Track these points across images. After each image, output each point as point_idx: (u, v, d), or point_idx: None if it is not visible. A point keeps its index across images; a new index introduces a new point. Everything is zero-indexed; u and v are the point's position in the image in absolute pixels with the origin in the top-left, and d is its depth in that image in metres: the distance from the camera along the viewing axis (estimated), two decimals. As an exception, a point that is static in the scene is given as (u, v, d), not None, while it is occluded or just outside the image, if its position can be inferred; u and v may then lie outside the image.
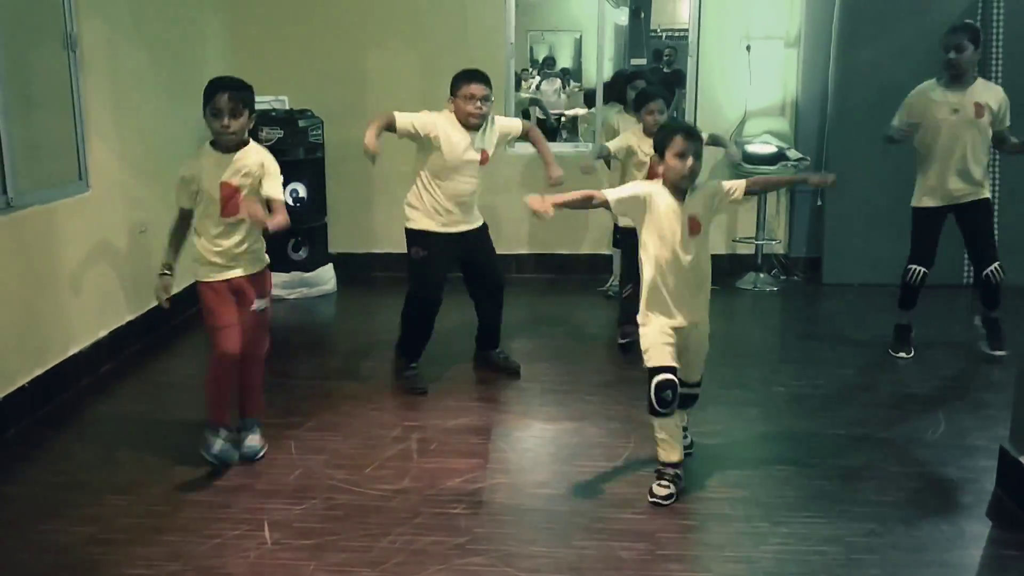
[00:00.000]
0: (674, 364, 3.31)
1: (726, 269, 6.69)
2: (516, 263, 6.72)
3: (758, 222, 6.64)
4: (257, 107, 6.24)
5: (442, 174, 4.38)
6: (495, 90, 5.82)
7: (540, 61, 12.38)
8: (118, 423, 4.10)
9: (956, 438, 3.89)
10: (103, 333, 4.76)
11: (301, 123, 6.19)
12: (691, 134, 3.30)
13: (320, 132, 6.33)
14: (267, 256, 3.73)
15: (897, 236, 6.44)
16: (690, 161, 3.24)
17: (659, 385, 3.25)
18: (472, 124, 4.33)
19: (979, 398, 4.40)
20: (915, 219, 5.05)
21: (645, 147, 4.80)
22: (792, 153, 6.44)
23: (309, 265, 6.32)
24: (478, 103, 4.30)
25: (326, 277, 6.41)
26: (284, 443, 3.81)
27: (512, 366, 4.74)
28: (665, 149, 3.29)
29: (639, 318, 3.40)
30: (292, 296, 6.23)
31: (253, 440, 3.70)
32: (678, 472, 3.38)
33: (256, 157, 3.53)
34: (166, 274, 3.62)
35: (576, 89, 10.78)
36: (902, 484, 3.47)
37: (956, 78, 4.79)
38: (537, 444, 3.90)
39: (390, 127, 4.35)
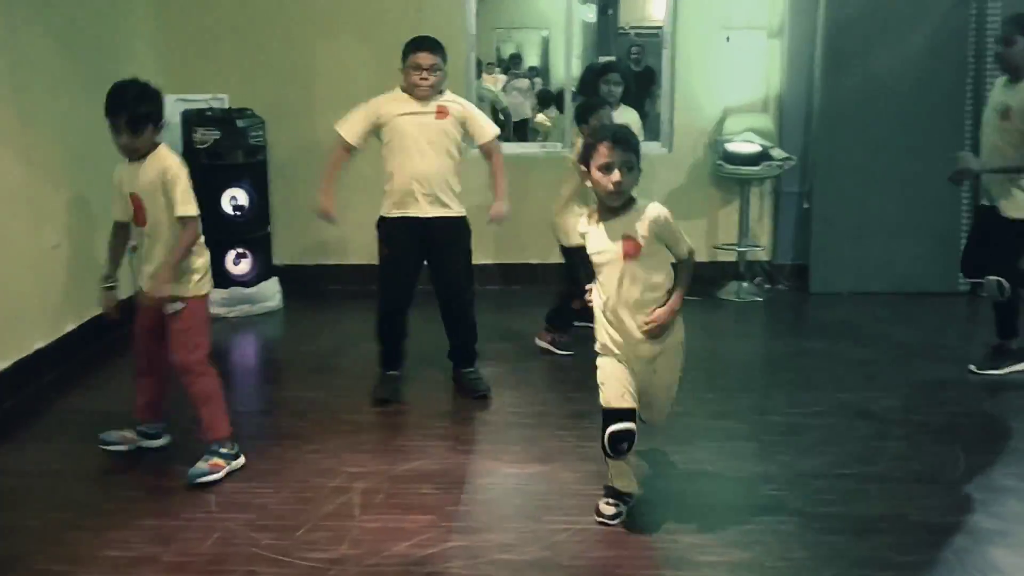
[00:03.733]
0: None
1: (707, 278, 6.20)
2: (481, 274, 6.15)
3: (740, 227, 6.15)
4: (193, 106, 5.76)
5: (395, 147, 4.04)
6: (454, 83, 5.35)
7: (507, 59, 11.93)
8: (10, 476, 3.49)
9: (980, 477, 3.40)
10: (4, 365, 4.16)
11: (240, 123, 5.61)
12: (619, 140, 2.84)
13: (262, 133, 5.75)
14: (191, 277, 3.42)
15: (890, 241, 6.03)
16: (615, 175, 2.81)
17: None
18: (420, 96, 4.02)
19: (1000, 427, 3.93)
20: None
21: None
22: (776, 152, 5.97)
23: (251, 280, 5.73)
24: (423, 73, 3.98)
25: (270, 292, 5.83)
26: (203, 498, 3.24)
27: (477, 389, 4.24)
28: (589, 160, 2.87)
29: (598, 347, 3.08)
30: (232, 314, 5.64)
31: (199, 464, 3.37)
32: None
33: (157, 166, 3.32)
34: (110, 287, 3.49)
35: (532, 87, 10.28)
36: (925, 537, 2.97)
37: (1009, 73, 4.34)
38: (501, 494, 3.35)
39: (346, 151, 4.15)
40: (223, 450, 3.40)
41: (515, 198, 6.22)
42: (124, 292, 3.67)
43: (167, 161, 3.31)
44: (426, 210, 4.06)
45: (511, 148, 6.03)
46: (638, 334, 2.96)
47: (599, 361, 3.03)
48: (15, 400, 4.14)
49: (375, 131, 4.12)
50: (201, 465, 3.34)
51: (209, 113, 5.61)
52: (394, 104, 4.07)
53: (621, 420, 2.93)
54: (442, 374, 4.49)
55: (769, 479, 3.41)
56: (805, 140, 6.16)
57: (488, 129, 4.20)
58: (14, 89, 4.30)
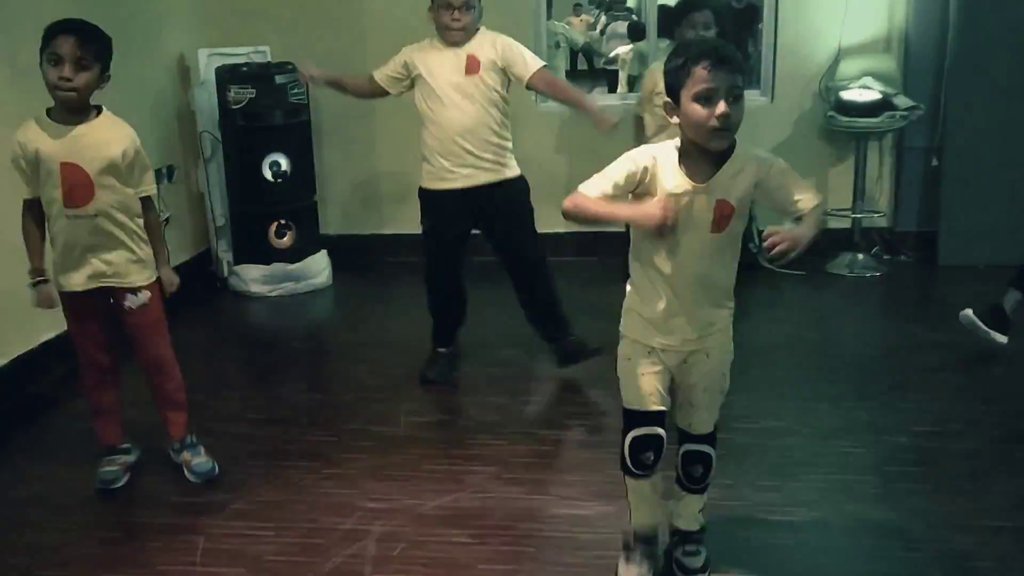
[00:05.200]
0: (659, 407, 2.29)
1: (813, 248, 5.33)
2: (553, 245, 5.43)
3: (855, 188, 5.25)
4: (228, 61, 5.17)
5: (430, 105, 3.54)
6: (519, 21, 4.65)
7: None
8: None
9: None
10: (5, 360, 3.68)
11: (279, 79, 4.98)
12: (723, 58, 2.03)
13: (304, 90, 5.11)
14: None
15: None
16: (721, 106, 2.01)
17: (636, 442, 2.29)
18: (452, 40, 3.52)
19: None
20: None
21: None
22: (900, 100, 5.03)
23: (294, 254, 5.16)
24: (454, 13, 3.45)
25: (317, 268, 5.24)
26: (190, 541, 2.68)
27: (583, 350, 3.72)
28: (680, 87, 2.06)
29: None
30: (274, 293, 5.08)
31: (202, 458, 3.03)
32: (652, 549, 2.43)
33: (114, 132, 2.74)
34: (43, 281, 2.84)
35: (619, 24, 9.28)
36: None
37: None
38: (546, 548, 2.64)
39: (368, 83, 3.71)
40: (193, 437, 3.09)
41: (586, 157, 5.53)
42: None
43: (128, 129, 2.77)
44: (471, 178, 3.54)
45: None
46: (691, 326, 2.23)
47: (621, 348, 2.32)
48: (17, 400, 3.64)
49: (407, 81, 3.62)
50: (205, 459, 3.03)
51: (245, 69, 5.00)
52: (421, 53, 3.59)
53: (647, 424, 2.27)
54: (498, 371, 3.86)
55: (897, 533, 2.64)
56: (935, 86, 5.17)
57: (530, 63, 3.56)
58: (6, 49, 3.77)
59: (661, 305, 2.21)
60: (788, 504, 2.77)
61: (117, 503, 2.92)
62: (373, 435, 3.34)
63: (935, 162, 5.24)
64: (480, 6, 3.52)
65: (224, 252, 5.30)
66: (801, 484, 2.90)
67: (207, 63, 5.14)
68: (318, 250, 5.28)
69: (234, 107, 4.94)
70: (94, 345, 2.90)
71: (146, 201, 2.84)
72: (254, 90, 4.92)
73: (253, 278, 5.08)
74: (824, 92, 5.23)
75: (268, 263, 5.07)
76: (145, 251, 2.85)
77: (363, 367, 4.00)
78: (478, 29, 3.54)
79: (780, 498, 2.80)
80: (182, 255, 5.17)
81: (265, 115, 4.97)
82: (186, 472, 3.01)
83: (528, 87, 3.62)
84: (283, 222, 5.14)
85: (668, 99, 2.11)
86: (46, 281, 2.81)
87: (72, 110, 2.68)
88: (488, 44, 3.53)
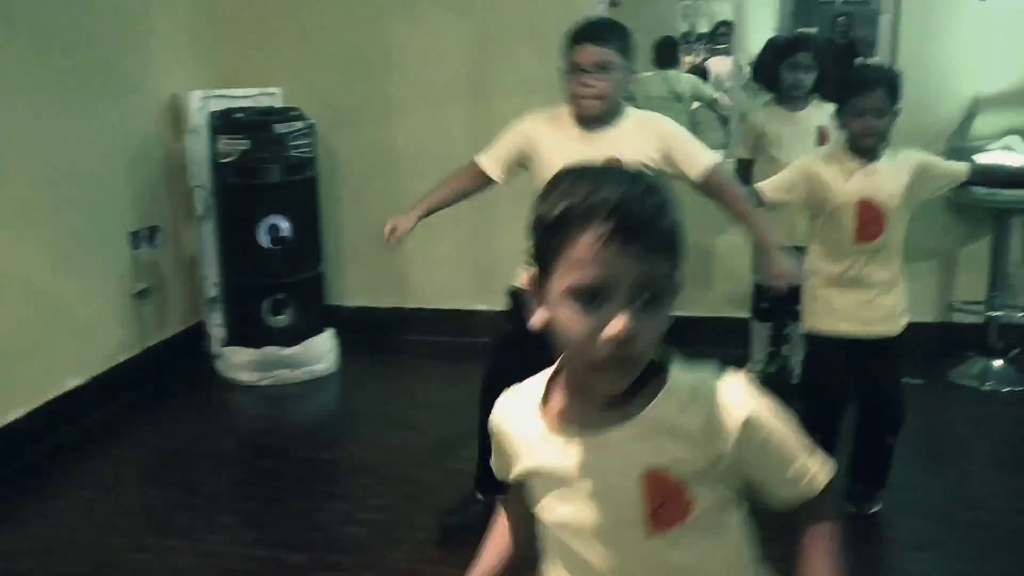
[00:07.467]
0: None
1: (935, 349, 4.24)
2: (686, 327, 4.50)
3: (992, 276, 4.17)
4: (233, 104, 4.39)
5: None
6: None
7: (710, 31, 9.94)
8: None
9: None
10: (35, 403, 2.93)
11: (278, 129, 4.19)
12: (630, 225, 1.03)
13: (309, 141, 4.31)
14: None
15: None
16: (618, 321, 1.03)
17: None
18: (584, 112, 2.65)
19: None
20: None
21: (841, 180, 2.79)
22: (1054, 167, 3.95)
23: (293, 335, 4.32)
24: (586, 78, 2.60)
25: (319, 352, 4.38)
26: None
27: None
28: (549, 263, 1.11)
29: None
30: (264, 382, 4.25)
31: None
32: None
33: None
34: None
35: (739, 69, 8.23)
36: None
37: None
38: None
39: (476, 179, 2.80)
40: None
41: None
42: None
43: None
44: None
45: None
46: None
47: None
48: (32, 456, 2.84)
49: (523, 161, 2.75)
50: None
51: (238, 116, 4.22)
52: (552, 143, 2.68)
53: None
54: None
55: None
56: (1102, 147, 4.07)
57: (698, 159, 2.70)
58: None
59: None
60: None
61: None
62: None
63: (1099, 246, 4.11)
64: (630, 67, 2.66)
65: (216, 327, 4.51)
66: None
67: (201, 106, 4.38)
68: (322, 330, 4.44)
69: (224, 161, 4.17)
70: None
71: None
72: (248, 141, 4.14)
73: (241, 363, 4.27)
74: (953, 154, 4.16)
75: (261, 345, 4.26)
76: None
77: (340, 507, 3.08)
78: (622, 108, 2.70)
79: None
80: (168, 329, 4.44)
81: (261, 171, 4.18)
82: None
83: (696, 187, 2.70)
84: (280, 297, 4.33)
85: (533, 266, 1.12)
86: None
87: None
88: (640, 132, 2.67)
